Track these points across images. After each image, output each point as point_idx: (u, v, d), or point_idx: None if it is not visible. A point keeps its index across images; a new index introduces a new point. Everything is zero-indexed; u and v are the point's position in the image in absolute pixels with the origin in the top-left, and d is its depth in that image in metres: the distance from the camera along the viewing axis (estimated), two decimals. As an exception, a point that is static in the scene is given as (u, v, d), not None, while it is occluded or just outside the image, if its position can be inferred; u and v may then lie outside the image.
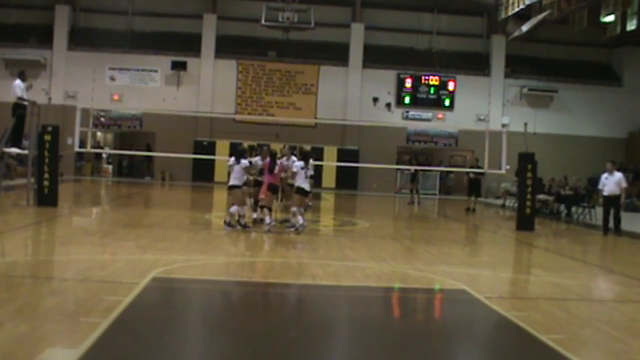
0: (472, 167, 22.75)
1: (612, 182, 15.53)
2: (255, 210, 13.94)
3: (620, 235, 15.51)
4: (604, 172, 16.00)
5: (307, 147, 21.06)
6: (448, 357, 5.60)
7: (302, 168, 12.62)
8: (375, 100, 31.18)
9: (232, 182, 12.95)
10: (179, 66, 30.31)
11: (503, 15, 28.50)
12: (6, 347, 4.76)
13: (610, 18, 22.34)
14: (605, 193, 15.76)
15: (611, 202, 15.65)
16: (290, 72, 30.98)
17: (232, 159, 13.11)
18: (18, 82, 15.44)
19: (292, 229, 12.66)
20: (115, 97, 30.00)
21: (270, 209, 12.97)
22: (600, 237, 15.89)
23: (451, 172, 30.73)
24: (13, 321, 5.43)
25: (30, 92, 15.93)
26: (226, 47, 30.91)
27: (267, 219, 12.62)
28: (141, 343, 5.25)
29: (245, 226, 12.77)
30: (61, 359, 4.72)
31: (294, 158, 13.58)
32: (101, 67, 29.29)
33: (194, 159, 28.78)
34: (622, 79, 32.08)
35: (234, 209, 12.73)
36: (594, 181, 25.97)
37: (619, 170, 16.25)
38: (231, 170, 12.98)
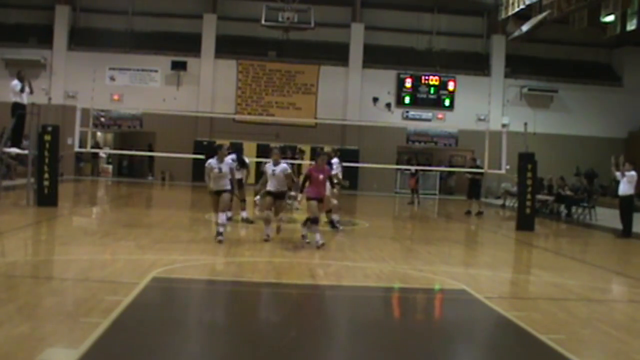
0: (470, 167, 22.72)
1: (622, 182, 15.26)
2: (243, 209, 14.20)
3: (629, 237, 15.12)
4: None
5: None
6: (448, 357, 5.60)
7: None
8: (375, 100, 31.17)
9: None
10: (179, 66, 30.31)
11: (503, 15, 28.53)
12: (6, 347, 4.76)
13: (610, 18, 22.35)
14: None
15: (620, 202, 15.44)
16: (290, 72, 30.97)
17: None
18: (16, 82, 15.51)
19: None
20: (115, 97, 29.99)
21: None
22: (600, 237, 15.86)
23: (452, 172, 30.69)
24: (13, 321, 5.43)
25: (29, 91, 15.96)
26: (226, 47, 30.90)
27: (318, 236, 10.86)
28: (141, 343, 5.25)
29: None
30: (61, 359, 4.72)
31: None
32: (101, 67, 29.33)
33: (194, 159, 28.75)
34: (622, 79, 32.08)
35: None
36: (591, 177, 26.14)
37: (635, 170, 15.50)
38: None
